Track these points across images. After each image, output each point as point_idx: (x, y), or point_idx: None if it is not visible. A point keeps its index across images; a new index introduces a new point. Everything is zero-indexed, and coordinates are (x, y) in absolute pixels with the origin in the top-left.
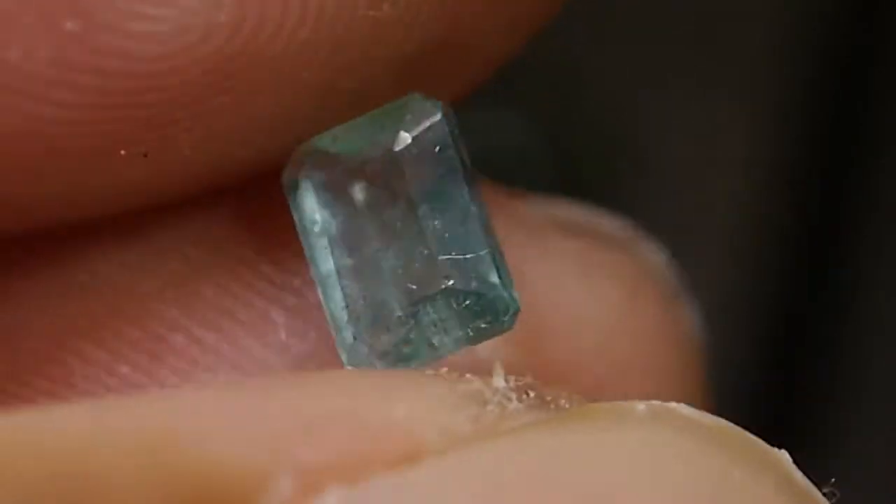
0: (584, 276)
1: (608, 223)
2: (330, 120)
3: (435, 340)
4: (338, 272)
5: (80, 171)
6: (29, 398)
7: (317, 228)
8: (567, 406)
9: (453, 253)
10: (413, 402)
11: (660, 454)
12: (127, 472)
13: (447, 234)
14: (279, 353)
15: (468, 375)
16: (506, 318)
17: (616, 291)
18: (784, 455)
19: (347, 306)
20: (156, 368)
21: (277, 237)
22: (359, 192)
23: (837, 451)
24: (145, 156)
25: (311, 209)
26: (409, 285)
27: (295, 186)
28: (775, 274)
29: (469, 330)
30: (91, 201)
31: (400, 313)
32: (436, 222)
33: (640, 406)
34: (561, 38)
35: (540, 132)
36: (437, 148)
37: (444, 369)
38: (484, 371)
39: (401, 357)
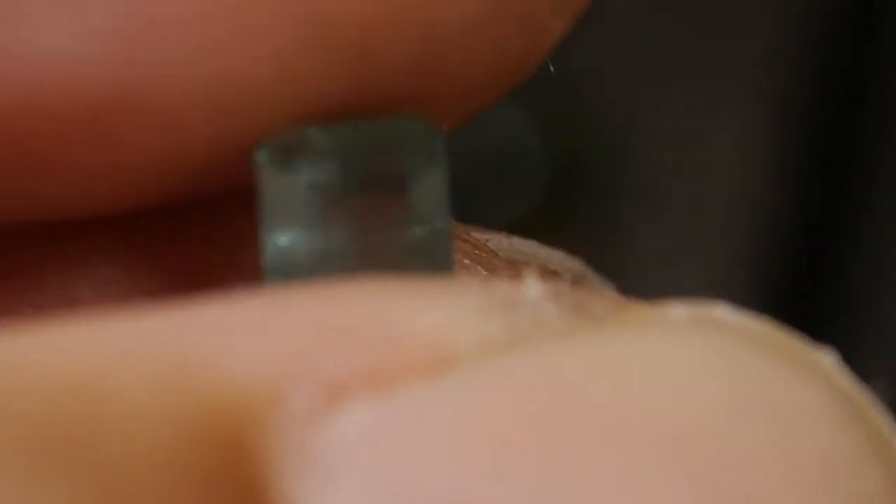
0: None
1: (555, 256)
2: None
3: None
4: (292, 252)
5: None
6: None
7: (286, 233)
8: (603, 312)
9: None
10: (443, 309)
11: (703, 359)
12: (138, 402)
13: (417, 261)
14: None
15: (499, 282)
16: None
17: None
18: (828, 357)
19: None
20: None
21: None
22: (341, 205)
23: None
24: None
25: (285, 214)
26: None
27: (280, 170)
28: (773, 274)
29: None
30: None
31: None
32: (418, 243)
33: (680, 310)
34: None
35: (537, 130)
36: (433, 179)
37: (474, 278)
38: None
39: None
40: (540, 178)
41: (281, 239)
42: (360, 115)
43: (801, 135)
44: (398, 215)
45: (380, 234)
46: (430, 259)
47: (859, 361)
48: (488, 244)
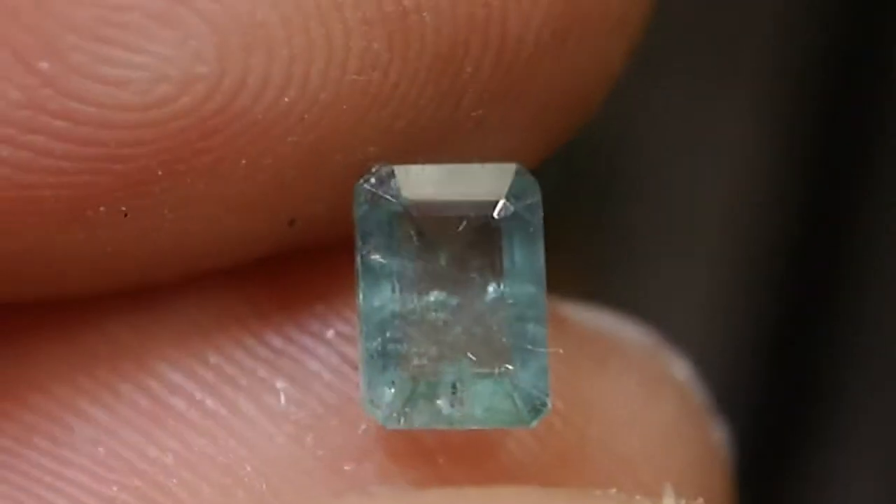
0: (604, 372)
1: (633, 329)
2: (320, 195)
3: (442, 405)
4: (389, 311)
5: (58, 225)
6: (29, 458)
7: (380, 263)
8: None
9: (518, 338)
10: None
11: None
12: None
13: (516, 315)
14: (278, 420)
15: (638, 497)
16: (534, 417)
17: (635, 388)
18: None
19: (382, 347)
20: (155, 431)
21: (281, 306)
22: (439, 240)
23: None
24: (126, 215)
25: (381, 243)
26: (457, 347)
27: (366, 216)
28: (773, 274)
29: (487, 413)
30: (78, 265)
31: (422, 363)
32: (510, 300)
33: None
34: None
35: None
36: (531, 229)
37: (614, 490)
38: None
39: (397, 410)
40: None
41: (374, 260)
42: (449, 141)
43: (802, 135)
44: (490, 266)
45: (467, 286)
46: (520, 319)
47: (858, 361)
48: (564, 311)
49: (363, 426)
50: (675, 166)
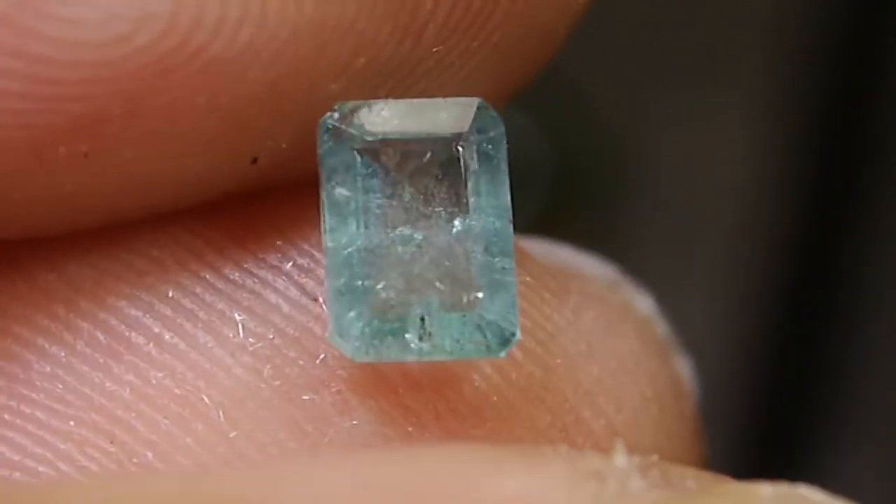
0: (564, 304)
1: (594, 263)
2: (282, 133)
3: (410, 338)
4: (355, 247)
5: (17, 166)
6: None
7: (346, 198)
8: (693, 487)
9: (485, 270)
10: (528, 479)
11: None
12: None
13: (483, 248)
14: (235, 352)
15: (588, 452)
16: (503, 348)
17: (595, 320)
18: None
19: (349, 282)
20: (113, 366)
21: (238, 239)
22: (403, 174)
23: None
24: (86, 155)
25: (346, 179)
26: (425, 280)
27: (331, 151)
28: (773, 276)
29: (456, 344)
30: (38, 206)
31: (389, 297)
32: (476, 233)
33: (767, 489)
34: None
35: (539, 134)
36: (494, 162)
37: (564, 447)
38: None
39: (365, 344)
40: (542, 181)
41: (339, 196)
42: (411, 79)
43: (802, 136)
44: (455, 199)
45: (432, 220)
46: (486, 252)
47: (859, 361)
48: (525, 249)
49: (321, 356)
50: (676, 167)
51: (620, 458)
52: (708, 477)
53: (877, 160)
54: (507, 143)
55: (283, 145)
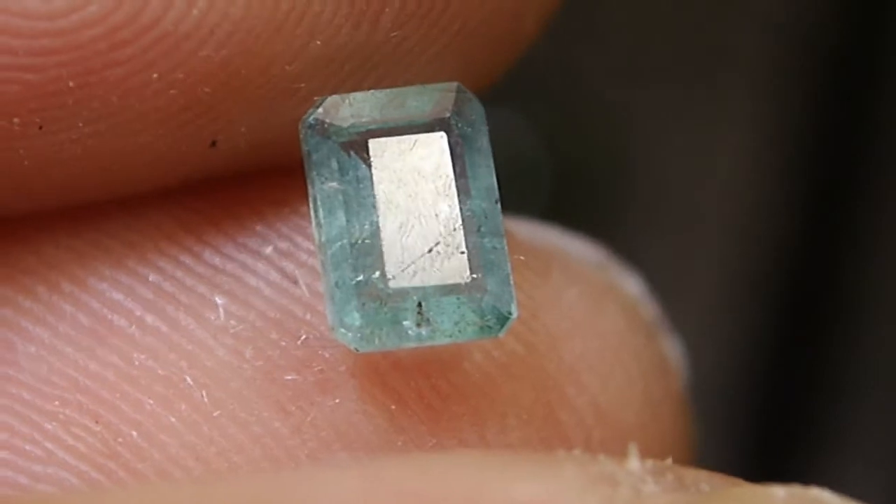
0: (546, 282)
1: (579, 244)
2: (240, 115)
3: (409, 324)
4: (347, 238)
5: None
6: None
7: (334, 191)
8: (707, 489)
9: (478, 251)
10: (540, 483)
11: None
12: None
13: (473, 229)
14: (217, 334)
15: (601, 457)
16: (501, 326)
17: (578, 298)
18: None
19: (344, 275)
20: (97, 348)
21: (218, 225)
22: (389, 164)
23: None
24: (41, 127)
25: (332, 173)
26: (419, 266)
27: (317, 147)
28: (773, 278)
29: (455, 326)
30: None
31: (384, 286)
32: (467, 216)
33: (780, 492)
34: (559, 40)
35: (537, 136)
36: (477, 145)
37: (576, 450)
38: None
39: (366, 334)
40: (540, 183)
41: (328, 189)
42: (371, 64)
43: (802, 138)
44: (442, 184)
45: (421, 207)
46: (478, 233)
47: (859, 361)
48: (516, 229)
49: (303, 337)
50: (675, 167)
51: (633, 462)
52: (721, 479)
53: (877, 161)
54: (503, 146)
55: (242, 129)
